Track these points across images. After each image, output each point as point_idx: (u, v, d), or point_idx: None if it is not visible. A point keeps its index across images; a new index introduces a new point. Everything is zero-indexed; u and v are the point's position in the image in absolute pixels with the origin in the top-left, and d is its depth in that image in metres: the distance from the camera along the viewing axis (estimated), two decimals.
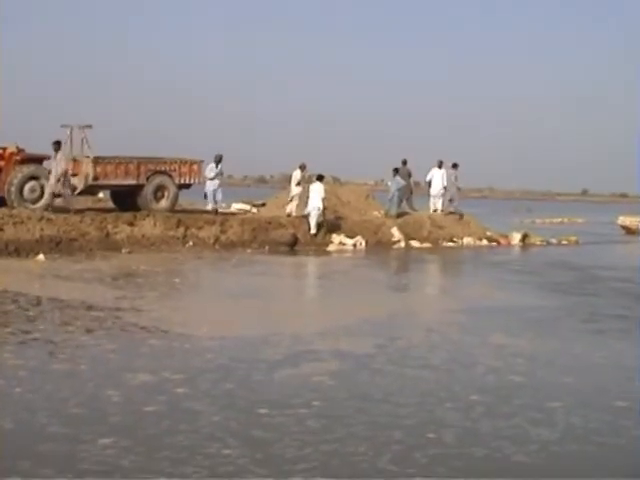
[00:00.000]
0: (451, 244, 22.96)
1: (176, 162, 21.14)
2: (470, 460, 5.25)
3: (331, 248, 20.32)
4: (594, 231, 32.92)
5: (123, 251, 17.07)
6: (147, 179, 20.30)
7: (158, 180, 20.53)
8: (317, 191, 20.62)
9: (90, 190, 20.57)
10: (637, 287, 15.27)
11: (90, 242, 17.18)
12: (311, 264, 18.20)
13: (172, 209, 20.67)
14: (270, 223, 20.46)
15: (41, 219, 16.93)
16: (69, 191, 18.80)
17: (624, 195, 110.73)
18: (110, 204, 22.09)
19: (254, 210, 25.66)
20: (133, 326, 9.17)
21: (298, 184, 21.61)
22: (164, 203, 20.52)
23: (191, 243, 18.74)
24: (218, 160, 21.35)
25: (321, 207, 20.56)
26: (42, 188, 18.38)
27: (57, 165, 18.14)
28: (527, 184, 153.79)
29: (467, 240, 23.45)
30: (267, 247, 19.29)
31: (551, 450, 5.50)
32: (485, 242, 23.93)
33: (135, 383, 6.69)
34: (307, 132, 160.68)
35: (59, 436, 5.35)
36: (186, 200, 24.00)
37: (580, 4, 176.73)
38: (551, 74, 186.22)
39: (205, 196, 21.55)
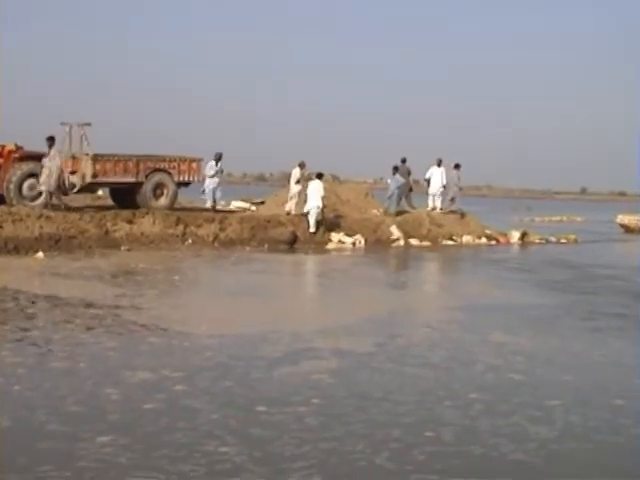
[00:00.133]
0: (450, 242, 22.96)
1: (175, 160, 21.14)
2: (468, 458, 5.25)
3: (330, 246, 20.32)
4: (593, 229, 32.94)
5: (122, 249, 17.07)
6: (146, 177, 20.30)
7: (157, 178, 20.53)
8: (316, 189, 20.61)
9: (89, 188, 20.57)
10: (635, 285, 15.28)
11: (89, 240, 17.18)
12: (310, 262, 18.20)
13: (171, 207, 20.67)
14: (269, 221, 20.46)
15: (40, 217, 16.93)
16: (63, 188, 18.71)
17: (623, 194, 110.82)
18: (109, 202, 22.08)
19: (253, 208, 25.66)
20: (132, 324, 9.16)
21: (297, 182, 21.60)
22: (163, 201, 20.52)
23: (190, 241, 18.74)
24: (218, 158, 21.36)
25: (320, 205, 20.56)
26: None
27: (50, 161, 18.05)
28: (526, 182, 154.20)
29: (466, 238, 23.46)
30: (266, 245, 19.29)
31: (550, 448, 5.50)
32: (484, 240, 23.94)
33: (134, 381, 6.69)
34: (307, 131, 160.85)
35: (57, 434, 5.36)
36: (185, 198, 23.99)
37: (580, 4, 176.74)
38: (551, 74, 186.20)
39: (203, 192, 21.58)
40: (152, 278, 13.22)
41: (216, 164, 21.30)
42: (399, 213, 23.02)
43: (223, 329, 9.13)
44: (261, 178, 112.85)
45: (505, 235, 24.90)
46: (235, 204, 26.92)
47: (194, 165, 21.38)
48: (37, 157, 18.64)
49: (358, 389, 6.78)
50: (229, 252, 17.83)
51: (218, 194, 21.52)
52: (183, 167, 21.13)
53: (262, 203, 25.82)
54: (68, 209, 18.26)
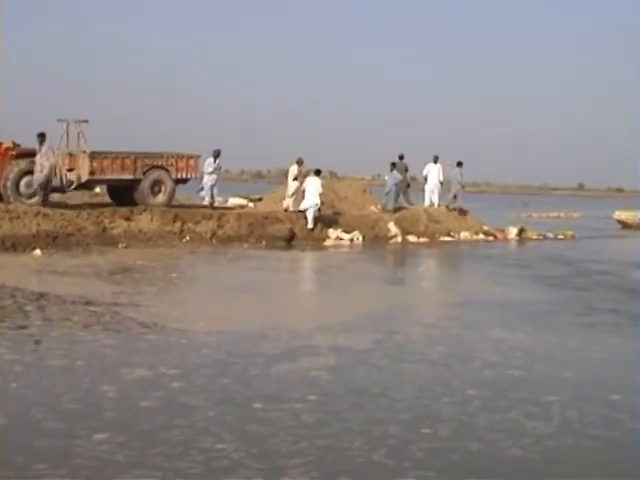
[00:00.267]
0: (448, 238, 22.97)
1: (173, 157, 21.10)
2: (465, 454, 5.26)
3: (328, 243, 20.32)
4: (590, 225, 32.96)
5: (120, 246, 17.06)
6: (144, 174, 20.26)
7: (155, 175, 20.49)
8: (314, 186, 20.59)
9: (87, 185, 20.52)
10: (629, 281, 15.32)
11: (87, 237, 17.17)
12: (308, 259, 18.19)
13: (169, 204, 20.63)
14: (267, 218, 20.45)
15: (37, 214, 16.91)
16: (53, 184, 18.63)
17: (620, 190, 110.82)
18: (107, 199, 22.06)
19: (251, 205, 25.63)
20: (130, 321, 9.16)
21: (295, 179, 21.60)
22: (161, 198, 20.49)
23: (188, 238, 18.73)
24: (216, 155, 21.38)
25: (318, 202, 20.55)
26: None
27: (41, 158, 17.96)
28: (523, 178, 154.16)
29: (464, 234, 23.46)
30: (264, 242, 19.28)
31: (546, 444, 5.50)
32: (482, 236, 23.96)
33: (131, 378, 6.68)
34: (306, 130, 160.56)
35: (54, 431, 5.35)
36: (183, 195, 23.97)
37: (580, 4, 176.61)
38: (551, 74, 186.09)
39: (201, 189, 21.58)
40: (150, 275, 13.21)
41: (214, 161, 21.30)
42: (397, 209, 23.01)
43: (221, 326, 9.13)
44: (259, 175, 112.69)
45: (503, 231, 24.91)
46: (233, 201, 26.89)
47: (192, 162, 21.35)
48: (34, 154, 18.60)
49: (356, 386, 6.78)
50: (227, 249, 17.83)
51: (215, 190, 21.54)
52: (181, 164, 21.09)
53: (260, 200, 25.78)
54: (44, 206, 17.98)
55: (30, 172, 18.24)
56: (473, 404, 6.35)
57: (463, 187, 24.80)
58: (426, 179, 24.40)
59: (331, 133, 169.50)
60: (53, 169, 18.21)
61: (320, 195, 20.55)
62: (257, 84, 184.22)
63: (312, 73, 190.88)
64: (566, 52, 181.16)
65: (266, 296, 11.67)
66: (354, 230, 21.11)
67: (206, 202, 21.59)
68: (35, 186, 18.00)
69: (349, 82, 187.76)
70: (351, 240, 20.77)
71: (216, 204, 22.30)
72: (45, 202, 18.14)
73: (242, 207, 24.69)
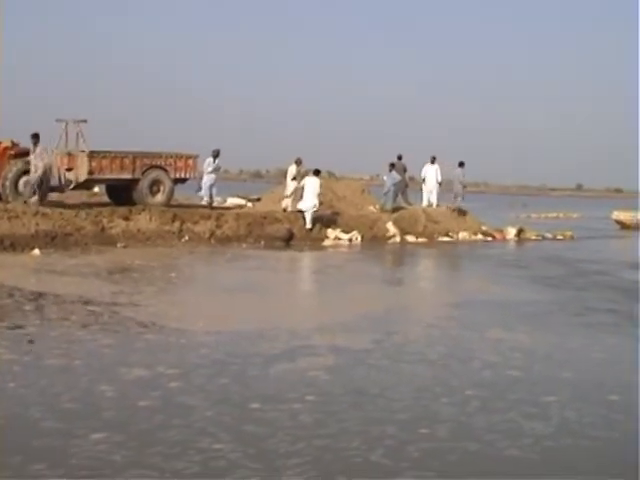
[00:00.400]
0: (446, 239, 22.98)
1: (172, 157, 21.10)
2: (463, 454, 5.25)
3: (327, 243, 20.31)
4: (589, 226, 32.97)
5: (118, 246, 17.05)
6: (143, 173, 20.25)
7: (154, 174, 20.48)
8: (313, 186, 20.58)
9: (85, 184, 20.53)
10: (625, 282, 15.31)
11: (85, 237, 17.16)
12: (307, 259, 18.19)
13: (168, 204, 20.62)
14: (266, 218, 20.44)
15: (36, 214, 16.89)
16: (52, 184, 18.61)
17: (618, 190, 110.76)
18: (105, 198, 22.05)
19: (249, 205, 25.63)
20: (129, 321, 9.15)
21: (294, 179, 21.59)
22: (160, 197, 20.48)
23: (187, 238, 18.72)
24: (216, 155, 21.38)
25: (317, 203, 20.54)
26: None
27: (35, 158, 17.91)
28: (522, 179, 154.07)
29: (462, 235, 23.47)
30: (263, 242, 19.27)
31: (545, 444, 5.50)
32: (480, 237, 23.96)
33: (129, 378, 6.67)
34: (305, 130, 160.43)
35: (52, 431, 5.34)
36: (182, 195, 23.97)
37: (580, 4, 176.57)
38: (551, 74, 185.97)
39: (199, 189, 21.58)
40: (148, 275, 13.20)
41: (214, 161, 21.30)
42: (395, 210, 23.02)
43: (219, 326, 9.13)
44: (257, 175, 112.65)
45: (501, 231, 24.92)
46: (231, 201, 26.88)
47: (190, 162, 21.35)
48: (28, 155, 18.57)
49: (354, 386, 6.77)
50: (225, 249, 17.82)
51: (214, 191, 21.54)
52: (179, 164, 21.08)
53: (258, 200, 25.79)
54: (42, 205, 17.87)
55: (28, 172, 18.23)
56: (472, 404, 6.34)
57: (465, 187, 24.83)
58: (424, 180, 24.46)
59: (331, 133, 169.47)
60: (48, 169, 18.17)
61: (318, 195, 20.54)
62: (257, 84, 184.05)
63: (312, 73, 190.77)
64: (566, 52, 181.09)
65: (265, 296, 11.66)
66: (353, 230, 21.11)
67: (204, 202, 21.58)
68: (29, 186, 17.96)
69: (349, 82, 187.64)
70: (350, 240, 20.77)
71: (215, 204, 22.30)
72: (42, 201, 18.12)
73: (241, 207, 24.69)
